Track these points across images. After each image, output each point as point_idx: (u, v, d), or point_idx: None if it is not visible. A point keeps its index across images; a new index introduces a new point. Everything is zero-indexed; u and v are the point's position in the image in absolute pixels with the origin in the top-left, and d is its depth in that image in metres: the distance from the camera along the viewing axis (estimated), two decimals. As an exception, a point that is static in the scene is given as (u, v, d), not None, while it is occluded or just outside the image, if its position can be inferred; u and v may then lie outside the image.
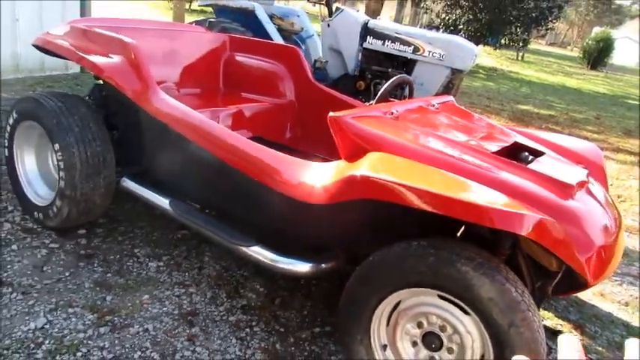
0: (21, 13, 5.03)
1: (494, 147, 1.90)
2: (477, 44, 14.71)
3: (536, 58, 23.81)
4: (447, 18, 14.99)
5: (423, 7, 17.31)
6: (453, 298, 1.46)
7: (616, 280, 2.89)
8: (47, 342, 1.75)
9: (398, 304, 1.58)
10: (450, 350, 1.53)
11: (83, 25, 2.54)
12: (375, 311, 1.59)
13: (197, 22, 4.27)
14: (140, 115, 2.29)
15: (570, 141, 2.36)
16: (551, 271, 1.72)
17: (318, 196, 1.70)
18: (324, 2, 4.70)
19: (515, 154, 1.97)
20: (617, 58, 23.29)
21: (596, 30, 23.97)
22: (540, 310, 2.41)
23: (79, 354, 1.72)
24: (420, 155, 1.69)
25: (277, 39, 4.60)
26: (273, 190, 1.83)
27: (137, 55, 2.23)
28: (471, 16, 14.29)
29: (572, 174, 1.82)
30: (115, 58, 2.28)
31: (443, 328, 1.52)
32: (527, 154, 1.99)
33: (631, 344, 0.58)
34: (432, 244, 1.48)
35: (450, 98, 2.50)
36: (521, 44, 16.31)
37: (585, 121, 8.43)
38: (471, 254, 1.43)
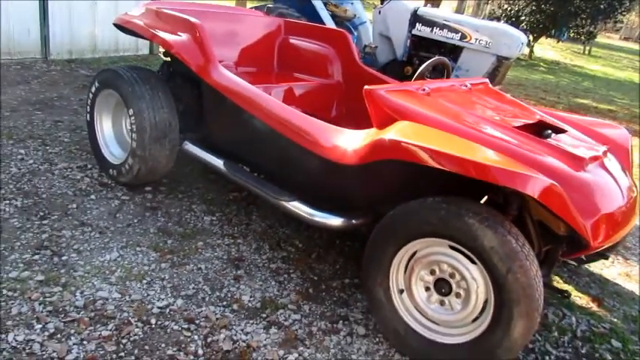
0: (99, -3, 5.54)
1: (517, 123, 2.06)
2: (539, 36, 14.32)
3: (606, 52, 22.66)
4: (509, 9, 14.61)
5: (485, -3, 16.94)
6: (461, 248, 1.66)
7: (646, 265, 2.95)
8: (119, 270, 2.11)
9: (414, 253, 1.80)
10: (457, 295, 1.74)
11: (156, 7, 2.88)
12: (394, 259, 1.82)
13: (256, 8, 4.58)
14: (202, 87, 2.60)
15: (599, 124, 2.47)
16: (560, 236, 1.87)
17: (350, 158, 1.94)
18: (376, -10, 4.88)
19: (539, 131, 2.12)
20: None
21: (676, 24, 22.44)
22: (556, 277, 2.55)
23: (144, 281, 2.07)
24: (443, 125, 1.89)
25: (330, 25, 4.82)
26: (312, 152, 2.08)
27: (202, 33, 2.53)
28: (534, 7, 13.86)
29: (587, 149, 1.97)
30: (183, 36, 2.60)
31: (452, 275, 1.73)
32: (549, 131, 2.13)
33: None
34: (445, 200, 1.68)
35: (485, 80, 2.65)
36: (587, 37, 15.61)
37: (648, 118, 8.12)
38: (478, 209, 1.62)
